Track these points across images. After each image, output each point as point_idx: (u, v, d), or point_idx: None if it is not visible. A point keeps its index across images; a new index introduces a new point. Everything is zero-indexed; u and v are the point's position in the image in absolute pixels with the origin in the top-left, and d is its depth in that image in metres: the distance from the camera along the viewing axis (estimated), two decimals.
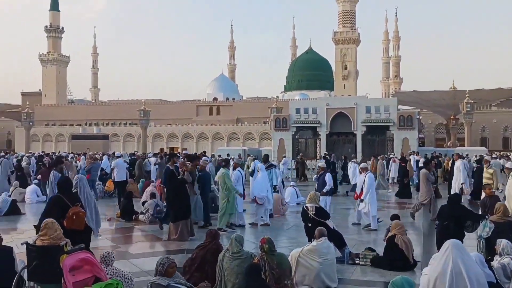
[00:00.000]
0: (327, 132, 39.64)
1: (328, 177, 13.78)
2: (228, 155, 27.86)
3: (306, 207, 9.47)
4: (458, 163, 18.77)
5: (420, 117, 48.14)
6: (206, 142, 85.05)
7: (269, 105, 65.29)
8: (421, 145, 53.63)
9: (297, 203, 17.07)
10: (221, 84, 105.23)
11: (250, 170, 16.86)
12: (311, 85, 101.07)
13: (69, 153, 38.49)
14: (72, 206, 7.46)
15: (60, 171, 11.25)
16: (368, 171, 13.16)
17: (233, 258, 6.60)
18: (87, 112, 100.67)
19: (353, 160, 23.68)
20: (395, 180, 25.25)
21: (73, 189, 8.36)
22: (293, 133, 40.84)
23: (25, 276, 6.35)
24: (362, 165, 13.58)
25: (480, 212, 10.86)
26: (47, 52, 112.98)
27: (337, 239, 9.11)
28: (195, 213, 12.25)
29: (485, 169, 15.88)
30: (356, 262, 8.75)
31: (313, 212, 9.27)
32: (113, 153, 27.27)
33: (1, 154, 29.18)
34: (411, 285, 4.76)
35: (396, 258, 8.46)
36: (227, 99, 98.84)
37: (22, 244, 6.50)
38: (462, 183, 18.27)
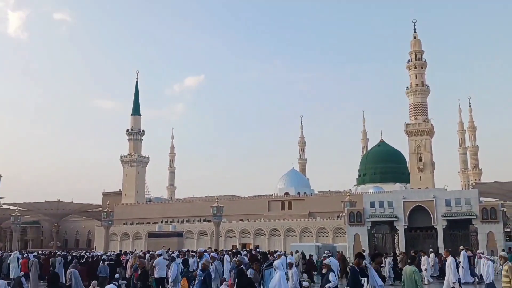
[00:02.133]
0: (405, 227, 38.06)
1: (332, 276, 12.88)
2: (302, 252, 27.25)
3: None
4: (449, 261, 17.30)
5: (505, 209, 45.26)
6: (278, 238, 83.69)
7: (342, 198, 64.19)
8: (508, 240, 49.75)
9: None
10: (292, 178, 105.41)
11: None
12: (385, 177, 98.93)
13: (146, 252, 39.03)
14: None
15: (239, 265, 11.90)
16: None
17: None
18: (163, 210, 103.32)
19: (486, 256, 20.86)
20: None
21: (68, 281, 10.01)
22: (369, 228, 39.55)
23: None
24: None
25: None
26: (128, 154, 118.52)
27: None
28: None
29: (503, 267, 13.30)
30: None
31: None
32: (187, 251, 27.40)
33: (74, 254, 29.80)
34: None
35: None
36: (299, 193, 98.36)
37: None
38: (453, 282, 16.53)
